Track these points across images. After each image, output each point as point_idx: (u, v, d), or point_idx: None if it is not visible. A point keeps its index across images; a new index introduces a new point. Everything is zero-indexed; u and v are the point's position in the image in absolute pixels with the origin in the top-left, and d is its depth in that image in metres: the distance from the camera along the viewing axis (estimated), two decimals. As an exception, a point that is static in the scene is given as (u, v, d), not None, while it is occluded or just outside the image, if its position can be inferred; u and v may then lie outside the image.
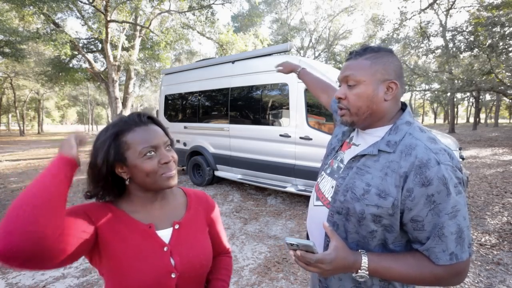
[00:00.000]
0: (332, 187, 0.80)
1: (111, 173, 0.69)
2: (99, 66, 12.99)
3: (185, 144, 5.58)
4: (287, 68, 1.48)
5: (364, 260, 0.67)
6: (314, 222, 0.85)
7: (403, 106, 0.81)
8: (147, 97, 34.27)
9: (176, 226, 0.76)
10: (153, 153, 0.69)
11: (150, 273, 0.66)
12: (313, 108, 3.98)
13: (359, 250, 0.70)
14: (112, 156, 0.68)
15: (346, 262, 0.67)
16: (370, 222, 0.69)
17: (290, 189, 3.98)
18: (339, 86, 0.82)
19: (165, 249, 0.70)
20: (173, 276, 0.69)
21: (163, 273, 0.68)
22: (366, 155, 0.75)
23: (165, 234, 0.73)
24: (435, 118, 46.64)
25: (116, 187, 0.72)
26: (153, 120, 0.75)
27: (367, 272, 0.66)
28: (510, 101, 19.23)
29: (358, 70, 0.75)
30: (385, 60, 0.75)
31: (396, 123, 0.75)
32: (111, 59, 9.98)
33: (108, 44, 9.70)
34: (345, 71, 0.77)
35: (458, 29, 11.19)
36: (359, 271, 0.67)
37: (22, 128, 26.28)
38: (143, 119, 0.72)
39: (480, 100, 21.96)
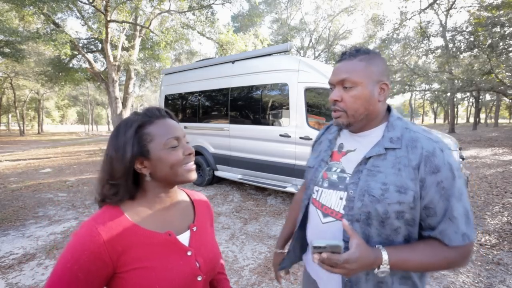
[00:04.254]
0: (341, 198, 0.78)
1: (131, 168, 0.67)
2: (99, 66, 12.99)
3: (185, 144, 5.58)
4: None
5: (385, 255, 0.67)
6: (326, 239, 0.82)
7: (388, 107, 0.85)
8: (147, 97, 34.29)
9: (194, 229, 0.75)
10: (176, 144, 0.69)
11: (179, 281, 0.66)
12: (313, 108, 3.98)
13: (377, 246, 0.69)
14: (135, 149, 0.65)
15: (368, 259, 0.66)
16: (394, 220, 0.70)
17: (290, 189, 3.98)
18: (331, 88, 0.82)
19: (189, 253, 0.70)
20: (199, 279, 0.69)
21: (191, 278, 0.68)
22: (373, 156, 0.75)
23: (184, 238, 0.72)
24: (435, 118, 46.65)
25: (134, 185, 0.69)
26: (169, 114, 0.75)
27: (389, 267, 0.66)
28: (510, 101, 19.23)
29: (354, 72, 0.75)
30: (377, 61, 0.77)
31: (389, 120, 0.78)
32: (111, 59, 9.98)
33: (108, 44, 9.70)
34: (341, 74, 0.77)
35: (458, 29, 11.19)
36: (381, 266, 0.66)
37: (22, 128, 26.30)
38: (162, 112, 0.72)
39: (480, 100, 21.96)
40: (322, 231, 0.82)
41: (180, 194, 0.82)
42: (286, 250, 1.05)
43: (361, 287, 0.75)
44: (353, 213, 0.74)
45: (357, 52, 0.78)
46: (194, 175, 0.72)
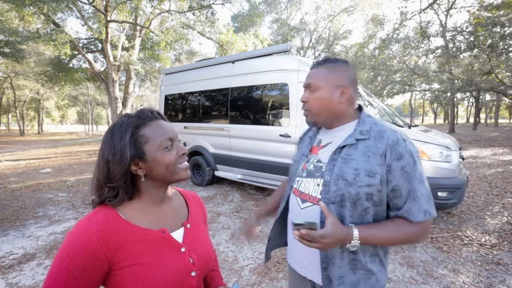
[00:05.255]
0: (318, 184, 0.88)
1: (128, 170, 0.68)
2: (99, 66, 12.99)
3: (185, 144, 5.58)
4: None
5: (355, 232, 0.77)
6: (304, 218, 0.90)
7: (360, 107, 0.96)
8: (147, 97, 34.25)
9: (188, 226, 0.77)
10: (170, 145, 0.71)
11: (174, 276, 0.67)
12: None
13: (349, 224, 0.80)
14: (131, 151, 0.67)
15: (341, 235, 0.76)
16: (364, 201, 0.81)
17: (290, 189, 3.97)
18: (304, 92, 0.95)
19: (182, 249, 0.71)
20: (193, 274, 0.71)
21: (185, 273, 0.70)
22: (346, 145, 0.86)
23: (178, 235, 0.74)
24: (435, 118, 46.64)
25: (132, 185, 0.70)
26: (160, 115, 0.76)
27: (359, 241, 0.77)
28: (510, 101, 19.23)
29: (317, 78, 0.90)
30: (340, 69, 0.90)
31: (361, 117, 0.90)
32: (111, 59, 9.98)
33: (108, 44, 9.70)
34: (308, 79, 0.92)
35: (458, 29, 11.18)
36: (352, 241, 0.77)
37: (22, 128, 26.31)
38: (154, 114, 0.74)
39: (480, 100, 21.96)
40: (300, 215, 0.92)
41: (173, 193, 0.84)
42: (259, 226, 1.17)
43: (335, 262, 0.85)
44: (329, 196, 0.84)
45: (324, 61, 0.91)
46: (188, 173, 0.75)
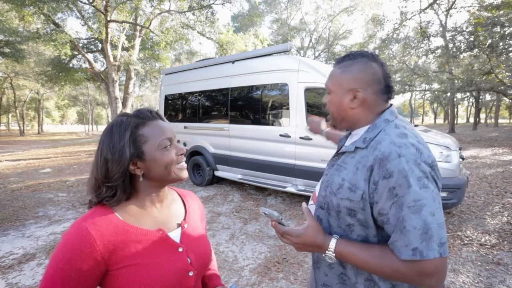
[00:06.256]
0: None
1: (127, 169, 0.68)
2: (99, 66, 13.00)
3: (185, 144, 5.58)
4: (314, 130, 1.60)
5: (332, 243, 0.71)
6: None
7: (390, 107, 0.83)
8: (147, 97, 34.25)
9: (185, 226, 0.77)
10: (169, 145, 0.71)
11: (171, 276, 0.67)
12: (313, 108, 3.98)
13: (334, 235, 0.74)
14: (131, 150, 0.67)
15: (315, 241, 0.72)
16: (346, 215, 0.73)
17: (290, 189, 3.98)
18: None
19: (180, 249, 0.72)
20: (191, 274, 0.71)
21: (182, 273, 0.70)
22: (346, 152, 0.80)
23: (175, 235, 0.74)
24: (435, 118, 46.62)
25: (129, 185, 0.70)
26: (159, 115, 0.77)
27: (334, 254, 0.71)
28: (510, 101, 19.23)
29: (331, 80, 0.83)
30: (356, 68, 0.78)
31: (375, 121, 0.77)
32: (111, 59, 9.98)
33: (108, 44, 9.71)
34: (326, 80, 0.86)
35: (458, 29, 11.18)
36: (327, 252, 0.71)
37: (22, 128, 26.32)
38: (153, 113, 0.74)
39: (480, 100, 21.95)
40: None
41: (171, 193, 0.84)
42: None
43: (321, 267, 0.82)
44: (320, 200, 0.82)
45: (343, 59, 0.82)
46: (186, 174, 0.75)
